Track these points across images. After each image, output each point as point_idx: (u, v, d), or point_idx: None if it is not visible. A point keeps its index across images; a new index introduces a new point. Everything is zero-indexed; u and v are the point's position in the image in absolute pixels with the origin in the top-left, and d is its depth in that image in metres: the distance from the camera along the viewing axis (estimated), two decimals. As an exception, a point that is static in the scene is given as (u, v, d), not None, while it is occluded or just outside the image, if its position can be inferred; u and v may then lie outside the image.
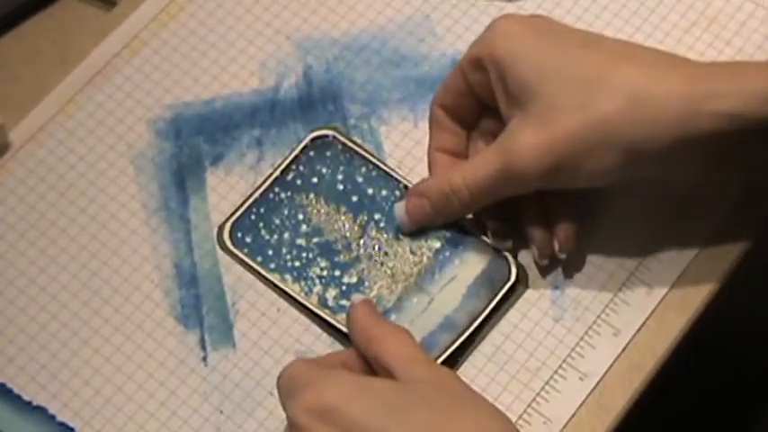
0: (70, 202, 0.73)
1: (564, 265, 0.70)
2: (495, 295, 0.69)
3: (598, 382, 0.68)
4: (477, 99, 0.70)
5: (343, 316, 0.69)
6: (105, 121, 0.75)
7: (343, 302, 0.70)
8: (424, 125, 0.74)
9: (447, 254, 0.71)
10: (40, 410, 0.68)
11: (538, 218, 0.69)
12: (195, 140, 0.75)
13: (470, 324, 0.69)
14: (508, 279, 0.70)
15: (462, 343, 0.68)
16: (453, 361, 0.68)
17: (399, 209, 0.71)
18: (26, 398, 0.68)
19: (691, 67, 0.65)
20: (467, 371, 0.68)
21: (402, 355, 0.62)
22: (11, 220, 0.73)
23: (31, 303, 0.71)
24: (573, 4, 0.78)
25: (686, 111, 0.62)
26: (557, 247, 0.69)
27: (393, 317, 0.69)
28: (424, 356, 0.63)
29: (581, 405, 0.67)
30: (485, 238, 0.71)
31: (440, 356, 0.68)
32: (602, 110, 0.63)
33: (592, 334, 0.69)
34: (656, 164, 0.65)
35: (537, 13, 0.77)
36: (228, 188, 0.73)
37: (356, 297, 0.68)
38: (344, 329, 0.68)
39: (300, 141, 0.74)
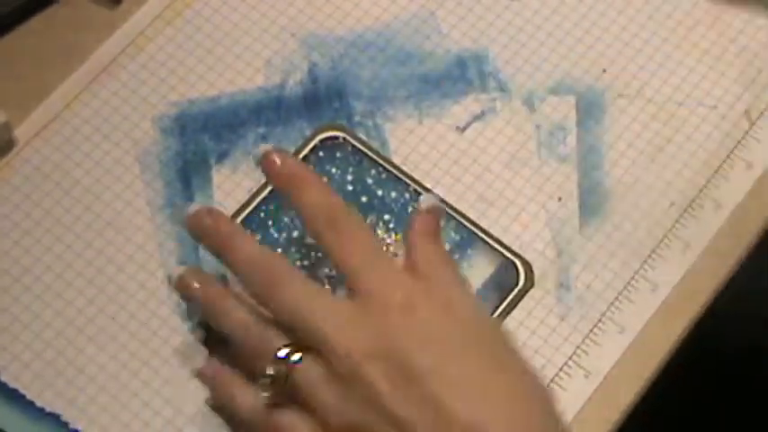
0: (75, 200, 0.73)
1: (569, 263, 0.70)
2: (504, 299, 0.69)
3: (603, 380, 0.68)
4: None
5: None
6: (110, 118, 0.75)
7: None
8: (429, 122, 0.74)
9: (456, 257, 0.70)
10: (47, 414, 0.68)
11: None
12: (200, 138, 0.75)
13: None
14: (517, 283, 0.70)
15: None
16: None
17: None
18: (29, 396, 0.68)
19: None
20: (472, 368, 0.68)
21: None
22: (16, 218, 0.73)
23: (36, 301, 0.70)
24: (578, 2, 0.78)
25: None
26: None
27: None
28: None
29: (586, 402, 0.68)
30: (494, 242, 0.71)
31: None
32: None
33: (597, 332, 0.69)
34: None
35: (541, 9, 0.77)
36: (234, 185, 0.73)
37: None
38: None
39: (308, 140, 0.74)
